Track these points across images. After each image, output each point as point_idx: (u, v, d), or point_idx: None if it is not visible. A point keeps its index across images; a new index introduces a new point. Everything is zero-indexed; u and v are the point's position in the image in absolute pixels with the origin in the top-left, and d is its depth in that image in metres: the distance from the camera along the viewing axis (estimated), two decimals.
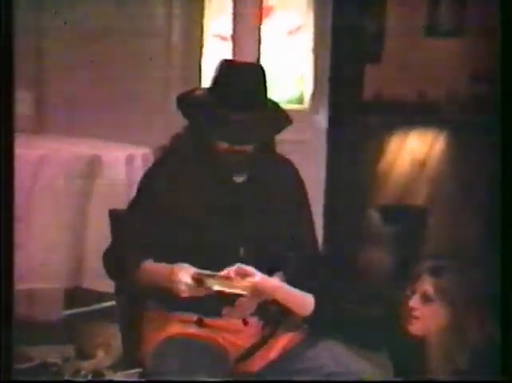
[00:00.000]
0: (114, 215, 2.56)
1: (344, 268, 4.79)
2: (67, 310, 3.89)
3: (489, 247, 2.44)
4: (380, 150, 5.25)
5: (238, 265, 2.20)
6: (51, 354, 3.34)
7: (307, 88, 4.93)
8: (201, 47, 4.64)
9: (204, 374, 2.15)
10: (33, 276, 3.12)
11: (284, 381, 2.32)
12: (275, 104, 2.34)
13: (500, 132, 2.10)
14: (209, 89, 2.31)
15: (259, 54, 4.52)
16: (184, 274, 2.17)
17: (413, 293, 2.27)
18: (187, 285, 2.15)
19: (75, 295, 3.63)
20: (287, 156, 2.47)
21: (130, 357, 2.46)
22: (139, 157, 3.31)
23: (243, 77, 2.28)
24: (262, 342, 2.36)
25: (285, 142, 2.40)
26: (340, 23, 4.80)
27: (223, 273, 2.17)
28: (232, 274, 2.17)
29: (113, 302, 2.71)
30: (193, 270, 2.18)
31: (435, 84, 5.18)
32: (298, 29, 4.94)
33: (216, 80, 2.30)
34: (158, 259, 2.28)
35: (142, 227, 2.30)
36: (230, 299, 2.21)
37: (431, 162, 5.26)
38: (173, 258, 2.24)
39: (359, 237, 4.98)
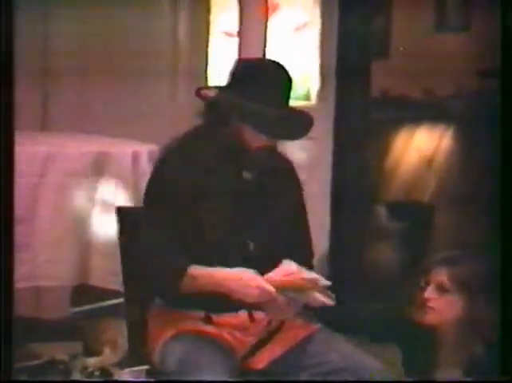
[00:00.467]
0: (121, 213, 2.56)
1: (351, 264, 4.79)
2: (74, 308, 3.90)
3: (495, 244, 2.44)
4: (387, 146, 5.24)
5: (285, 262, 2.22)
6: (58, 351, 3.34)
7: (313, 85, 4.93)
8: (207, 44, 4.64)
9: (211, 371, 2.15)
10: (39, 274, 3.12)
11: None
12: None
13: (500, 128, 2.10)
14: (233, 88, 2.28)
15: (265, 51, 4.51)
16: (261, 279, 2.17)
17: (427, 284, 2.28)
18: (264, 290, 2.15)
19: (82, 293, 3.63)
20: (294, 152, 2.47)
21: (137, 354, 2.46)
22: (145, 154, 3.31)
23: (274, 74, 2.29)
24: (268, 338, 2.36)
25: None
26: (347, 19, 4.79)
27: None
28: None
29: (119, 300, 2.72)
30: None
31: (442, 81, 5.17)
32: (305, 25, 4.93)
33: (240, 78, 2.28)
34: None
35: (173, 230, 2.24)
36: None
37: (438, 158, 5.26)
38: (183, 253, 2.23)
39: (366, 233, 4.98)
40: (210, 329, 2.30)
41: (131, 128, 3.78)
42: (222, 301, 2.24)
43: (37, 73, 3.97)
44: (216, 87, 2.36)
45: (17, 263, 3.11)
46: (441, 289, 2.26)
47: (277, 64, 2.32)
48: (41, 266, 3.11)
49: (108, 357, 3.37)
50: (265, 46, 4.51)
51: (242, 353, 2.33)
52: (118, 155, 3.26)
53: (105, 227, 3.02)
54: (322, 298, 2.20)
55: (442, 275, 2.27)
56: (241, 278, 2.18)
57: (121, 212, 2.57)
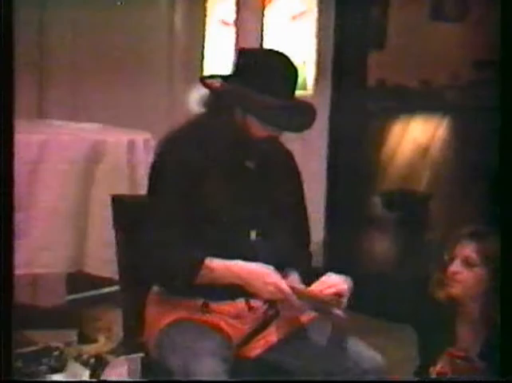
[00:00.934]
0: (117, 201, 2.56)
1: (346, 254, 4.80)
2: (69, 295, 3.91)
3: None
4: (382, 136, 5.25)
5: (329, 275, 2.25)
6: (53, 338, 3.35)
7: (310, 74, 4.92)
8: (204, 33, 4.63)
9: (207, 359, 2.15)
10: (35, 261, 3.12)
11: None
12: None
13: (500, 119, 2.10)
14: (237, 78, 2.27)
15: (262, 40, 4.51)
16: (278, 278, 2.18)
17: (453, 258, 2.30)
18: (282, 291, 2.16)
19: (77, 280, 3.64)
20: (290, 142, 2.47)
21: (132, 342, 2.47)
22: (140, 142, 3.31)
23: (280, 64, 2.27)
24: (264, 326, 2.37)
25: None
26: (344, 9, 4.79)
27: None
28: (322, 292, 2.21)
29: (115, 287, 2.72)
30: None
31: (438, 70, 5.17)
32: (301, 14, 4.92)
33: (244, 68, 2.27)
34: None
35: (181, 221, 2.23)
36: None
37: (433, 148, 5.26)
38: (186, 241, 2.23)
39: (362, 223, 4.99)
40: (207, 317, 2.31)
41: (127, 118, 3.78)
42: (219, 289, 2.25)
43: (33, 63, 3.96)
44: (221, 76, 2.34)
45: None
46: (467, 263, 2.29)
47: (282, 54, 2.30)
48: (37, 254, 3.11)
49: (103, 344, 3.38)
50: (262, 35, 4.51)
51: (239, 341, 2.34)
52: (114, 143, 3.25)
53: (101, 215, 3.02)
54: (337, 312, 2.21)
55: (468, 249, 2.29)
56: (258, 273, 2.19)
57: (117, 200, 2.57)
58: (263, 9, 4.61)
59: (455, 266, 2.30)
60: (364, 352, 2.30)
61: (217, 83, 2.30)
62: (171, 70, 4.57)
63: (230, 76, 2.30)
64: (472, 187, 4.98)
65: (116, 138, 3.30)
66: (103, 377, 2.48)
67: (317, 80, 4.89)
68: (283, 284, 2.18)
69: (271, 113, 2.21)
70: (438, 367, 2.33)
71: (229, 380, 2.17)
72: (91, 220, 3.17)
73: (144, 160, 3.20)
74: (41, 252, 3.11)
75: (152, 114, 4.12)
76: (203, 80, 2.31)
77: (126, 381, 2.38)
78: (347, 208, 4.81)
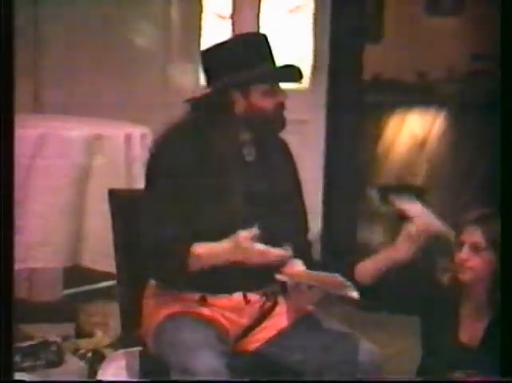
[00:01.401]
0: (114, 195, 2.56)
1: (343, 248, 4.80)
2: (66, 290, 3.90)
3: None
4: (379, 130, 5.25)
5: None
6: (51, 333, 3.35)
7: (306, 67, 4.92)
8: (200, 27, 4.63)
9: (204, 352, 2.15)
10: (32, 256, 3.12)
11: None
12: None
13: (501, 112, 2.10)
14: (224, 50, 2.33)
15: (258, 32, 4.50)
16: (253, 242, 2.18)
17: (461, 244, 2.32)
18: (260, 251, 2.18)
19: (74, 275, 3.64)
20: (287, 135, 2.48)
21: (129, 336, 2.47)
22: (137, 136, 3.30)
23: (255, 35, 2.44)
24: (261, 320, 2.37)
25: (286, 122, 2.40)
26: (340, 2, 4.78)
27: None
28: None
29: (112, 282, 2.72)
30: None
31: (435, 64, 5.17)
32: (297, 8, 4.92)
33: (227, 45, 2.35)
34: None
35: (170, 211, 2.25)
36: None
37: (430, 141, 5.26)
38: (186, 234, 2.23)
39: (358, 216, 4.99)
40: (204, 310, 2.31)
41: (123, 111, 3.78)
42: (217, 283, 2.26)
43: (28, 57, 3.95)
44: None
45: None
46: (476, 248, 2.31)
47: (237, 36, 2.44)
48: (34, 248, 3.11)
49: (100, 338, 3.38)
50: (258, 29, 4.50)
51: (236, 334, 2.35)
52: (110, 137, 3.25)
53: (98, 209, 3.02)
54: (346, 293, 2.21)
55: (476, 234, 2.31)
56: (234, 241, 2.19)
57: (114, 194, 2.57)
58: (259, 2, 4.61)
59: (464, 253, 2.32)
60: (362, 344, 2.30)
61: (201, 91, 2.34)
62: (168, 64, 4.57)
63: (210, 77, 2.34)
64: (468, 180, 4.99)
65: (113, 132, 3.29)
66: (100, 371, 2.48)
67: (313, 73, 4.88)
68: (259, 245, 2.18)
69: (267, 73, 2.30)
70: None
71: (229, 380, 2.17)
72: (88, 214, 3.16)
73: (141, 154, 3.19)
74: (37, 247, 3.11)
75: (148, 107, 4.11)
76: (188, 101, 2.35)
77: (126, 381, 2.38)
78: (344, 202, 4.81)
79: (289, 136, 2.49)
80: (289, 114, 2.39)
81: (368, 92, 4.98)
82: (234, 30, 4.51)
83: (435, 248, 2.37)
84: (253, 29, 4.44)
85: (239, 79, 2.29)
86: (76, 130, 3.25)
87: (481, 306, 2.36)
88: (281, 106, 2.33)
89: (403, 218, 2.34)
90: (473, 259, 2.32)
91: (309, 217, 2.53)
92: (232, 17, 4.57)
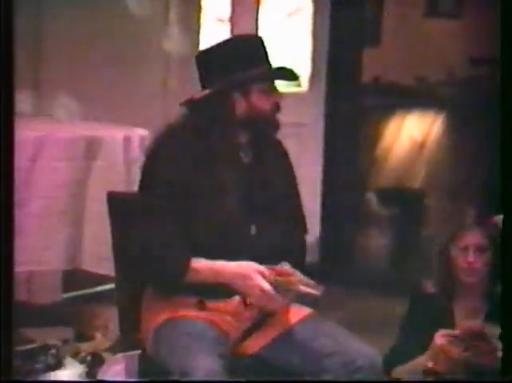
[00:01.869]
0: (113, 198, 2.56)
1: (342, 250, 4.80)
2: (66, 293, 3.90)
3: None
4: (378, 133, 5.25)
5: (283, 263, 2.27)
6: (51, 336, 3.35)
7: (305, 71, 4.92)
8: (199, 30, 4.63)
9: (203, 356, 2.15)
10: (32, 259, 3.12)
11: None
12: None
13: (500, 115, 2.10)
14: (221, 52, 2.35)
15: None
16: (260, 279, 2.19)
17: (465, 248, 2.33)
18: (264, 291, 2.18)
19: (73, 278, 3.64)
20: (285, 139, 2.48)
21: (128, 339, 2.46)
22: (136, 139, 3.31)
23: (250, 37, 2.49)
24: (260, 323, 2.37)
25: (284, 125, 2.41)
26: (339, 6, 4.79)
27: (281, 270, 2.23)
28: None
29: (111, 285, 2.72)
30: (261, 267, 2.21)
31: (434, 67, 5.18)
32: (297, 11, 4.92)
33: (223, 47, 2.36)
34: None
35: (166, 215, 2.25)
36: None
37: (429, 144, 5.27)
38: (184, 243, 2.24)
39: (357, 220, 4.99)
40: (203, 314, 2.31)
41: (122, 114, 3.78)
42: (215, 287, 2.25)
43: (28, 58, 3.95)
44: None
45: None
46: (480, 249, 2.32)
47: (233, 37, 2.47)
48: (34, 251, 3.11)
49: (99, 342, 3.38)
50: (257, 32, 4.51)
51: (235, 338, 2.34)
52: (109, 139, 3.25)
53: (97, 212, 3.02)
54: (308, 290, 2.22)
55: (478, 236, 2.32)
56: (241, 274, 2.21)
57: (112, 197, 2.56)
58: (258, 5, 4.61)
59: (471, 256, 2.34)
60: (361, 348, 2.30)
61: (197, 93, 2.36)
62: (167, 67, 4.57)
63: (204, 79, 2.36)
64: (468, 183, 4.99)
65: (112, 135, 3.29)
66: (100, 375, 2.48)
67: (312, 77, 4.89)
68: (264, 284, 2.19)
69: (266, 73, 2.31)
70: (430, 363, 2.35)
71: (230, 380, 2.17)
72: (87, 217, 3.16)
73: (140, 157, 3.19)
74: (37, 250, 3.11)
75: (148, 110, 4.11)
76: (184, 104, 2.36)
77: (127, 381, 2.38)
78: (342, 204, 4.81)
79: (287, 139, 2.50)
80: (287, 117, 2.39)
81: (367, 96, 4.98)
82: (233, 33, 4.51)
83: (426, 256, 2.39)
84: (252, 32, 4.44)
85: (240, 79, 2.29)
86: (76, 132, 3.25)
87: (478, 304, 2.38)
88: (277, 107, 2.34)
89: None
90: (478, 261, 2.34)
91: (308, 220, 2.53)
92: (231, 20, 4.57)
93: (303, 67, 4.92)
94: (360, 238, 4.98)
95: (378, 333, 3.09)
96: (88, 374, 3.12)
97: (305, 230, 2.52)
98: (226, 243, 2.28)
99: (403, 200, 5.14)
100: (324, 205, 4.80)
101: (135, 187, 2.73)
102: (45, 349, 3.16)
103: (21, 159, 3.02)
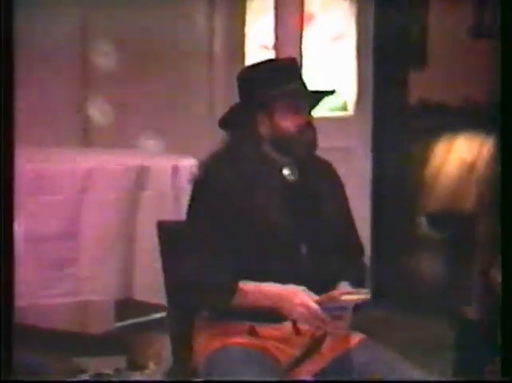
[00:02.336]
0: (163, 227, 2.57)
1: (392, 275, 4.76)
2: (118, 323, 3.92)
3: None
4: (426, 156, 5.20)
5: (343, 283, 2.27)
6: (104, 366, 3.36)
7: (351, 94, 4.92)
8: (243, 57, 4.66)
9: None
10: (84, 289, 3.15)
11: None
12: None
13: None
14: (253, 71, 2.38)
15: (302, 62, 4.52)
16: (307, 298, 2.18)
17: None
18: (310, 309, 2.17)
19: (126, 307, 3.65)
20: (333, 161, 2.48)
21: (181, 368, 2.47)
22: (184, 168, 3.33)
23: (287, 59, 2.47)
24: (313, 349, 2.35)
25: (331, 149, 2.41)
26: (383, 28, 4.78)
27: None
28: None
29: (163, 313, 2.73)
30: (311, 294, 2.20)
31: (480, 87, 5.13)
32: (341, 35, 4.93)
33: (255, 67, 2.39)
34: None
35: (222, 244, 2.26)
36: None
37: (478, 166, 5.20)
38: (233, 266, 2.24)
39: (407, 243, 4.94)
40: (254, 341, 2.30)
41: (169, 141, 3.81)
42: (266, 312, 2.25)
43: (78, 90, 4.02)
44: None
45: (62, 279, 3.15)
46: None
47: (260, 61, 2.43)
48: (86, 281, 3.14)
49: (152, 371, 3.39)
50: (301, 57, 4.52)
51: (287, 364, 2.33)
52: (158, 169, 3.28)
53: (147, 241, 3.04)
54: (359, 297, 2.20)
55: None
56: (287, 294, 2.21)
57: (162, 226, 2.58)
58: (302, 30, 4.62)
59: None
60: (414, 374, 2.27)
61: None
62: (212, 95, 4.60)
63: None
64: None
65: (161, 164, 3.33)
66: None
67: (358, 100, 4.88)
68: (311, 304, 2.17)
69: (292, 91, 2.30)
70: None
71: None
72: (138, 246, 3.19)
73: (189, 186, 3.21)
74: (89, 280, 3.14)
75: (194, 137, 4.14)
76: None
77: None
78: (392, 228, 4.77)
79: (335, 163, 2.49)
80: (334, 141, 2.39)
81: (414, 117, 4.95)
82: None
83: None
84: (296, 59, 4.46)
85: (261, 96, 2.30)
86: (124, 163, 3.28)
87: None
88: (304, 127, 2.32)
89: None
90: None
91: None
92: (275, 46, 4.59)
93: (349, 91, 4.92)
94: (410, 262, 4.93)
95: (429, 358, 3.06)
96: None
97: (361, 251, 2.50)
98: (275, 263, 2.27)
99: (454, 223, 5.08)
100: (373, 228, 4.76)
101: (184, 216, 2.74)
102: (99, 378, 3.17)
103: (71, 191, 3.07)
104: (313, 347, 2.35)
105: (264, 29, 4.70)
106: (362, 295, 2.19)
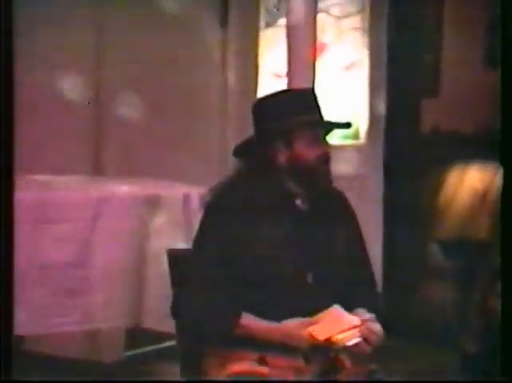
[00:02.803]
0: (173, 255, 2.57)
1: (404, 304, 4.73)
2: (128, 351, 3.91)
3: None
4: (439, 184, 5.19)
5: (359, 310, 2.26)
6: None
7: (363, 123, 4.92)
8: (256, 85, 4.68)
9: None
10: (94, 317, 3.14)
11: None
12: None
13: None
14: (269, 101, 2.39)
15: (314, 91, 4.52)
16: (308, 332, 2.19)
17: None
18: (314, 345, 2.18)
19: (135, 336, 3.65)
20: (345, 190, 2.48)
21: None
22: (195, 197, 3.34)
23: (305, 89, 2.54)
24: (324, 378, 2.33)
25: (343, 177, 2.41)
26: (396, 57, 4.79)
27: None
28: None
29: (173, 342, 2.72)
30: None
31: (493, 116, 5.12)
32: (353, 64, 4.94)
33: (272, 97, 2.40)
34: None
35: (227, 274, 2.27)
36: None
37: (491, 195, 5.18)
38: (240, 287, 2.24)
39: (420, 272, 4.92)
40: (265, 370, 2.28)
41: (181, 170, 3.81)
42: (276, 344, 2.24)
43: (89, 120, 4.04)
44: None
45: (72, 307, 3.15)
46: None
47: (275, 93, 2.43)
48: (95, 310, 3.13)
49: None
50: (313, 86, 4.53)
51: None
52: (169, 197, 3.29)
53: (157, 269, 3.04)
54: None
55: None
56: (288, 330, 2.21)
57: (173, 255, 2.58)
58: (314, 60, 4.64)
59: None
60: None
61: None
62: (225, 122, 4.62)
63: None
64: None
65: (172, 192, 3.33)
66: None
67: (370, 129, 4.88)
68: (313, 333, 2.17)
69: (310, 121, 2.32)
70: None
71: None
72: (148, 274, 3.19)
73: (200, 215, 3.21)
74: (99, 308, 3.14)
75: (207, 165, 4.15)
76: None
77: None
78: (405, 256, 4.75)
79: (346, 191, 2.49)
80: (347, 169, 2.39)
81: (427, 146, 4.94)
82: (290, 88, 4.54)
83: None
84: (309, 86, 4.47)
85: (281, 126, 2.30)
86: (135, 191, 3.29)
87: None
88: (323, 157, 2.33)
89: None
90: None
91: None
92: (288, 75, 4.61)
93: (361, 119, 4.92)
94: (422, 291, 4.90)
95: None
96: None
97: (373, 280, 2.49)
98: (281, 293, 2.26)
99: (467, 252, 5.06)
100: (385, 256, 4.74)
101: None
102: None
103: (81, 219, 3.07)
104: (323, 375, 2.33)
105: (276, 58, 4.72)
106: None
